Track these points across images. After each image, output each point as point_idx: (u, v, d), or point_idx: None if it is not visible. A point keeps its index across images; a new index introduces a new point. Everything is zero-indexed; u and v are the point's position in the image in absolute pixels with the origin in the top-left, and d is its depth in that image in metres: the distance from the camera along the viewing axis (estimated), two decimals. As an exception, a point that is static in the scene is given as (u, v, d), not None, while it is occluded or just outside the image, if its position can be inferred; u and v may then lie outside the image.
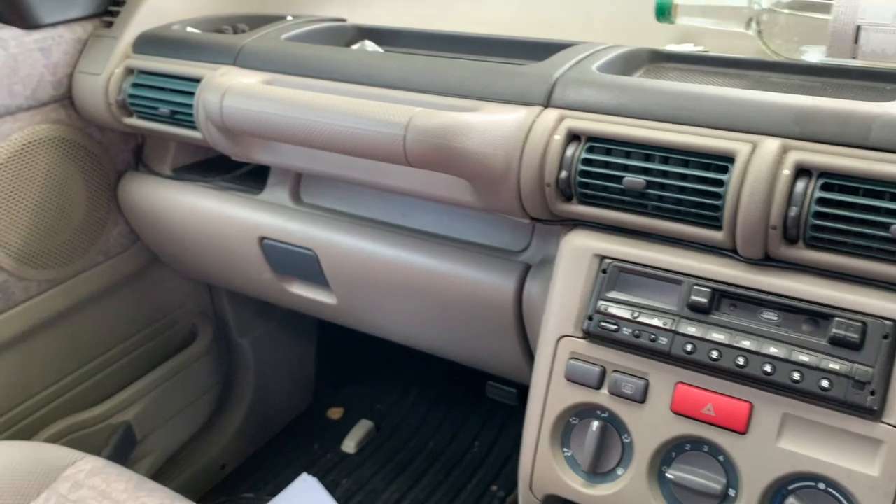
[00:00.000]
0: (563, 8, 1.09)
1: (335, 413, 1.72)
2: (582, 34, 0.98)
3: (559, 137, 0.76)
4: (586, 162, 0.75)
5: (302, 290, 1.16)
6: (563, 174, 0.76)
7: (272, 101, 0.87)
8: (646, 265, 0.74)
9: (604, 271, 0.76)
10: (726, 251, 0.72)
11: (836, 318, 0.65)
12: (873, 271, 0.65)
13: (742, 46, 0.93)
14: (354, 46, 1.10)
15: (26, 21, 1.11)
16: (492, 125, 0.78)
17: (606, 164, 0.75)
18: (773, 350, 0.67)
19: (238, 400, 1.57)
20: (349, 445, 1.62)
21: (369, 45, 1.09)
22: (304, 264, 1.09)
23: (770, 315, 0.69)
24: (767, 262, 0.70)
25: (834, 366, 0.65)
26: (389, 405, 1.74)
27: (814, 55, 0.86)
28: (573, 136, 0.77)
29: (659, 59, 0.92)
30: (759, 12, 0.88)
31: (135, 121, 1.11)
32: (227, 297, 1.49)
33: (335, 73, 0.94)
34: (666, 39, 0.99)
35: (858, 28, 0.80)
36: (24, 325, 1.18)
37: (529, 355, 0.95)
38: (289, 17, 1.14)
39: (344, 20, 1.16)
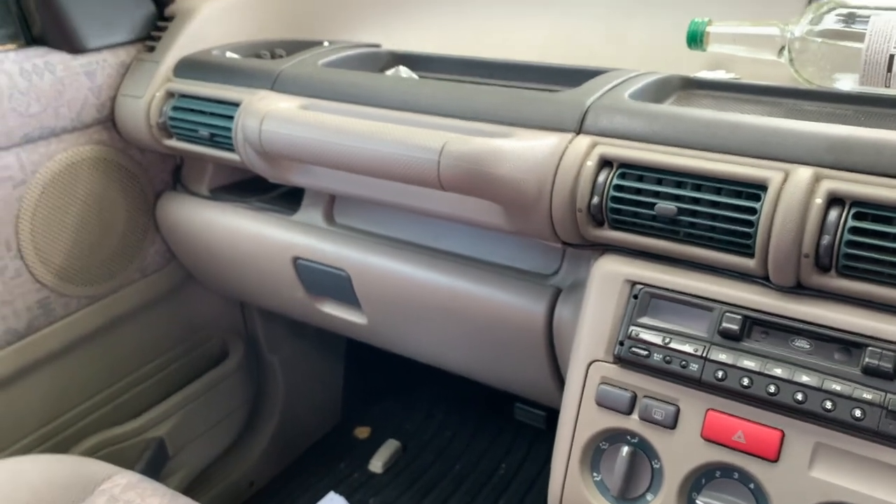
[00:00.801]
0: (594, 34, 1.10)
1: (362, 432, 1.73)
2: (614, 60, 1.00)
3: (591, 164, 0.77)
4: (618, 188, 0.76)
5: (333, 310, 1.18)
6: (595, 200, 0.77)
7: (309, 126, 0.89)
8: (677, 291, 0.75)
9: (635, 296, 0.77)
10: (758, 278, 0.72)
11: (870, 348, 0.65)
12: (907, 301, 0.65)
13: (774, 73, 0.93)
14: (389, 72, 1.12)
15: (73, 46, 1.15)
16: (524, 151, 0.79)
17: (638, 191, 0.76)
18: (805, 378, 0.67)
19: (267, 417, 1.59)
20: (376, 465, 1.63)
21: (403, 71, 1.11)
22: (336, 284, 1.11)
23: (802, 343, 0.69)
24: (799, 289, 0.70)
25: (867, 395, 0.64)
26: (416, 425, 1.75)
27: (846, 83, 0.87)
28: (605, 163, 0.78)
29: (691, 86, 0.93)
30: (791, 40, 0.89)
31: (175, 143, 1.14)
32: (258, 315, 1.52)
33: (371, 99, 0.96)
34: (698, 65, 1.00)
35: (892, 57, 0.80)
36: (64, 341, 1.21)
37: (559, 379, 0.96)
38: (325, 43, 1.17)
39: (378, 46, 1.19)
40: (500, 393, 1.20)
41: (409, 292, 1.03)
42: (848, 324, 0.67)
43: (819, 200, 0.66)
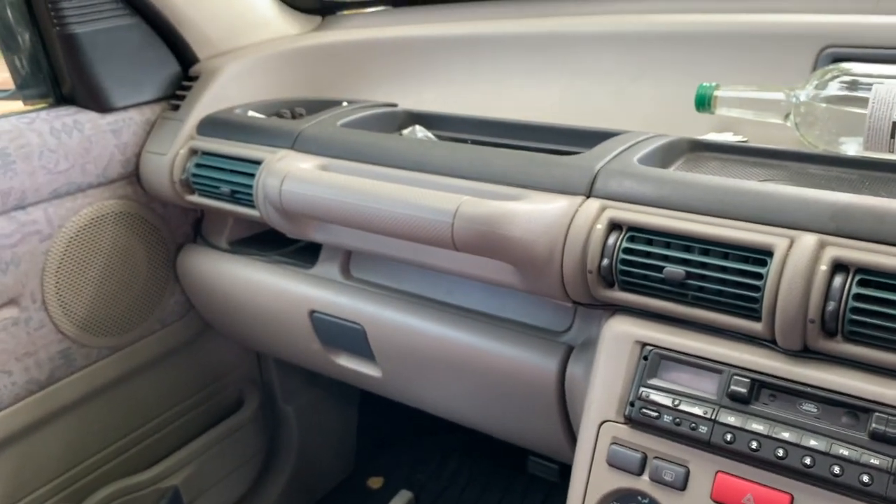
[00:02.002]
0: (604, 96, 1.13)
1: (375, 482, 1.73)
2: (624, 121, 1.02)
3: (601, 227, 0.79)
4: (627, 251, 0.78)
5: (348, 362, 1.19)
6: (605, 262, 0.79)
7: (328, 187, 0.92)
8: (686, 353, 0.76)
9: (645, 358, 0.78)
10: (766, 342, 0.73)
11: (876, 413, 0.66)
12: (913, 367, 0.66)
13: (781, 136, 0.95)
14: (405, 131, 1.15)
15: (101, 105, 1.19)
16: (536, 214, 0.82)
17: (647, 254, 0.78)
18: (812, 442, 0.68)
19: (281, 467, 1.60)
20: (389, 516, 1.62)
21: (419, 131, 1.14)
22: (351, 337, 1.13)
23: (810, 407, 0.70)
24: (807, 353, 0.71)
25: (874, 461, 0.65)
26: (429, 475, 1.75)
27: (851, 147, 0.89)
28: (615, 226, 0.80)
29: (698, 149, 0.95)
30: (796, 105, 0.91)
31: (197, 198, 1.18)
32: (274, 365, 1.54)
33: (387, 159, 0.98)
34: (707, 127, 1.03)
35: (895, 124, 0.83)
36: (83, 391, 1.23)
37: (571, 435, 0.96)
38: (344, 104, 1.20)
39: (395, 105, 1.22)
40: (513, 445, 1.20)
41: (423, 346, 1.05)
42: (855, 388, 0.68)
43: (824, 267, 0.68)
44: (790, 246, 0.70)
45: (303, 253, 1.21)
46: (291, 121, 1.16)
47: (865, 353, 0.68)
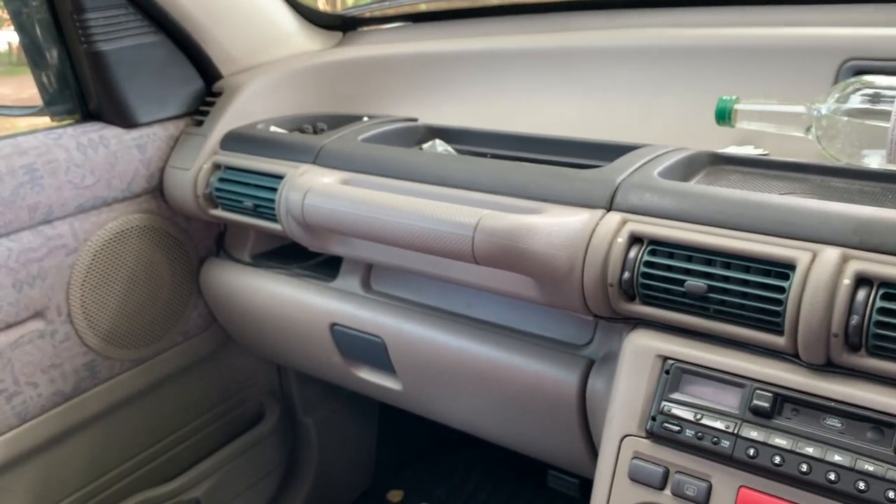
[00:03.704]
0: (625, 110, 1.14)
1: (395, 496, 1.73)
2: (645, 135, 1.02)
3: (622, 240, 0.80)
4: (648, 265, 0.78)
5: (368, 375, 1.20)
6: (626, 275, 0.79)
7: (350, 201, 0.93)
8: (708, 367, 0.76)
9: (667, 372, 0.78)
10: (789, 356, 0.73)
11: (902, 428, 0.66)
12: (938, 381, 0.65)
13: (802, 149, 0.95)
14: (425, 145, 1.16)
15: (126, 121, 1.21)
16: (556, 227, 0.82)
17: (668, 268, 0.77)
18: (837, 458, 0.67)
19: (301, 479, 1.60)
20: (409, 529, 1.62)
21: (439, 145, 1.15)
22: (371, 350, 1.13)
23: (833, 421, 0.70)
24: (830, 367, 0.71)
25: (901, 477, 0.64)
26: (450, 489, 1.74)
27: (874, 160, 0.88)
28: (635, 239, 0.80)
29: (719, 162, 0.95)
30: (817, 118, 0.91)
31: (220, 212, 1.19)
32: (294, 377, 1.54)
33: (408, 174, 0.99)
34: (729, 140, 1.03)
35: (918, 137, 0.82)
36: (107, 403, 1.24)
37: (593, 450, 0.96)
38: (364, 119, 1.22)
39: (415, 120, 1.23)
40: (533, 459, 1.20)
41: (443, 359, 1.05)
42: (879, 403, 0.67)
43: (847, 281, 0.67)
44: (812, 260, 0.69)
45: (324, 266, 1.22)
46: (313, 136, 1.17)
47: (890, 368, 0.67)
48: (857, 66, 0.98)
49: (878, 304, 0.66)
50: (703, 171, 0.93)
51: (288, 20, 1.39)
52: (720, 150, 0.96)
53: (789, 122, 0.95)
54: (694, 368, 0.76)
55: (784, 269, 0.71)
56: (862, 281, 0.68)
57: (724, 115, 0.99)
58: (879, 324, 0.66)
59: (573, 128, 1.12)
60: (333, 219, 0.95)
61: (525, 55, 1.25)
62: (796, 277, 0.70)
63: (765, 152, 0.98)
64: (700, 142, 0.98)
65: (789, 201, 0.75)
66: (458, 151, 1.15)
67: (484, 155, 1.12)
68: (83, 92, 1.24)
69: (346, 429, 1.67)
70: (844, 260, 0.68)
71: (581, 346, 0.96)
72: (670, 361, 0.78)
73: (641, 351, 0.80)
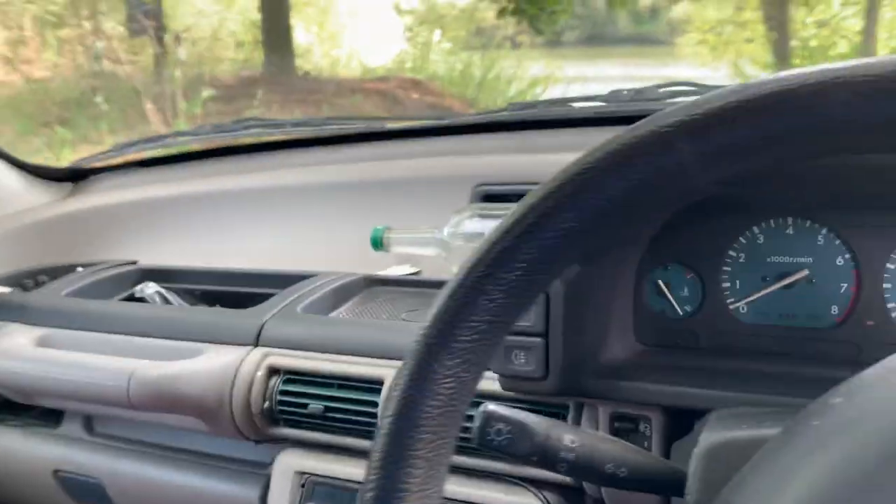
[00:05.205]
0: (314, 242, 1.27)
1: None
2: (335, 259, 1.16)
3: (261, 374, 0.91)
4: (283, 393, 0.90)
5: (101, 516, 1.24)
6: (266, 404, 0.90)
7: (29, 361, 1.01)
8: (333, 477, 0.87)
9: (302, 485, 0.89)
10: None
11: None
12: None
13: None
14: (137, 288, 1.25)
15: None
16: (206, 368, 0.93)
17: (300, 394, 0.89)
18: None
19: None
20: None
21: (149, 287, 1.24)
22: (96, 492, 1.18)
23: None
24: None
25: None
26: None
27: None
28: (274, 371, 0.92)
29: (374, 284, 1.09)
30: (443, 242, 1.07)
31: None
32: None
33: (100, 326, 1.08)
34: (394, 260, 1.18)
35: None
36: None
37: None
38: (79, 269, 1.29)
39: (135, 262, 1.32)
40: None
41: (157, 495, 1.11)
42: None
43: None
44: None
45: (51, 412, 1.26)
46: (18, 293, 1.24)
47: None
48: (486, 191, 1.15)
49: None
50: (358, 294, 1.07)
51: (11, 179, 1.45)
52: (377, 273, 1.11)
53: (427, 244, 1.11)
54: (322, 480, 0.88)
55: (377, 385, 0.85)
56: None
57: (377, 243, 1.13)
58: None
59: (274, 257, 1.25)
60: (19, 380, 1.02)
61: (236, 194, 1.38)
62: (384, 390, 0.83)
63: (416, 271, 1.14)
64: (376, 264, 1.13)
65: (381, 325, 0.89)
66: (171, 289, 1.24)
67: (194, 292, 1.22)
68: None
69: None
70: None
71: (267, 464, 1.05)
72: (305, 475, 0.89)
73: (285, 469, 0.91)
